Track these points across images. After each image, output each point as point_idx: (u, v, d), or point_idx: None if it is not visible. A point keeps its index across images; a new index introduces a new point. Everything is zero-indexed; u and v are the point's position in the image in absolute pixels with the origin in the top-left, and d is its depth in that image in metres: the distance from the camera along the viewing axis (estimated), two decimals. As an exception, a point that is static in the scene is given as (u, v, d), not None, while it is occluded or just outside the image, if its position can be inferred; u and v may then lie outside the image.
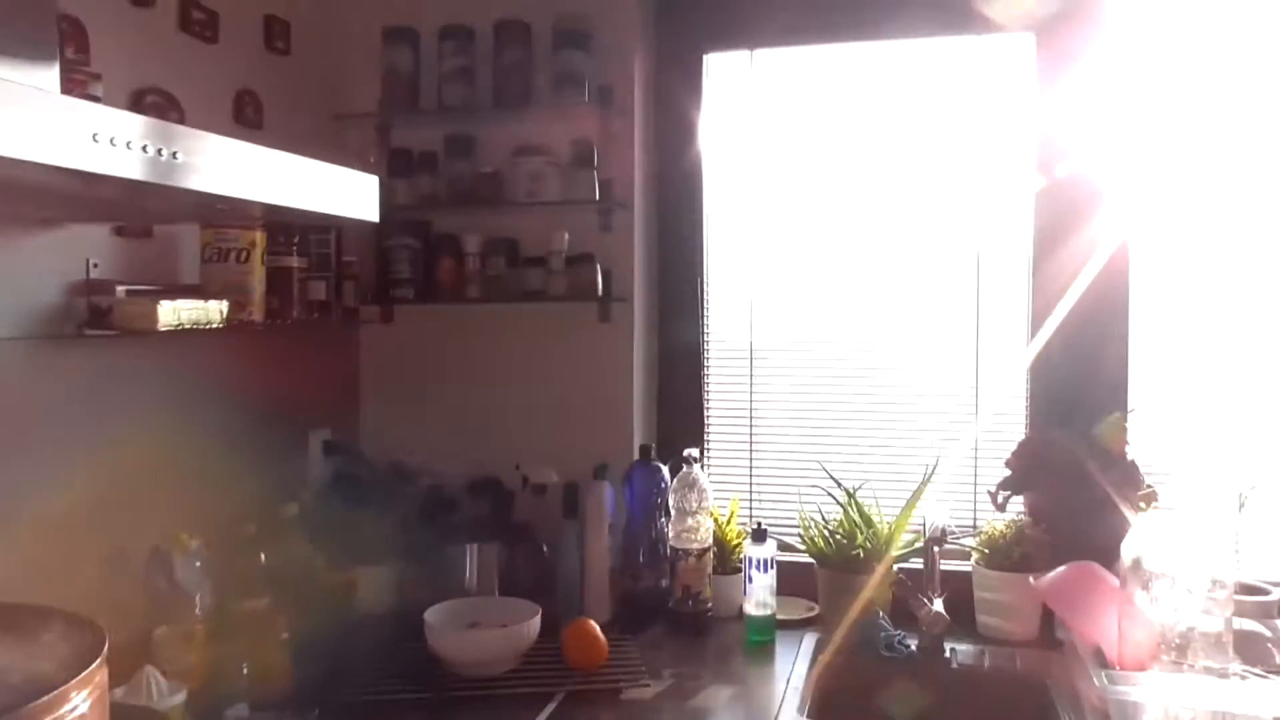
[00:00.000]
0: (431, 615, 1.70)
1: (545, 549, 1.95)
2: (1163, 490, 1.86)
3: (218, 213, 1.54)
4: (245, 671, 1.48)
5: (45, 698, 0.84)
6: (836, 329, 2.14)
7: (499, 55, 2.07)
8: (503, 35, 2.07)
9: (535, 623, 1.69)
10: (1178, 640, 1.55)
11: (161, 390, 1.70)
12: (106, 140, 0.97)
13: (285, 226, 1.80)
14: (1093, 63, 1.94)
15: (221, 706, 1.44)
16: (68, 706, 0.87)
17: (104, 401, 1.59)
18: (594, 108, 2.04)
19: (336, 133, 2.10)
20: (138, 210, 1.46)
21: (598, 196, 2.04)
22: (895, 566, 1.93)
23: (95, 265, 1.54)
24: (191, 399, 1.76)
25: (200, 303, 1.57)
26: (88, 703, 0.89)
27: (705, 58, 2.20)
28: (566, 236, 2.04)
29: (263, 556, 1.63)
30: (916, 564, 1.87)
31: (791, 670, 1.72)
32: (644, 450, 2.00)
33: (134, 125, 1.01)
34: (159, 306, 1.48)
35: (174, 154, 1.06)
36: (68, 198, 1.25)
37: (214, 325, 1.60)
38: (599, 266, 2.06)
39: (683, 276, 2.22)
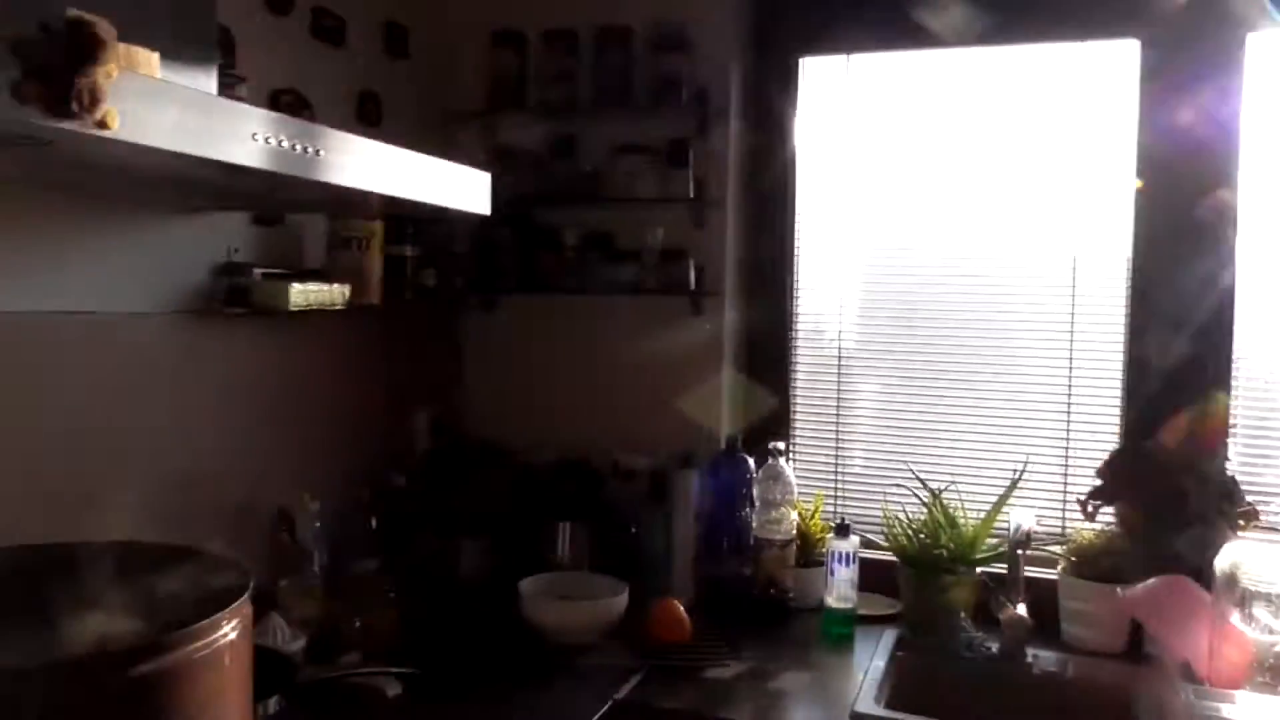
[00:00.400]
0: (526, 585, 1.79)
1: (633, 531, 2.03)
2: (1265, 509, 1.82)
3: (344, 204, 1.67)
4: (358, 625, 1.61)
5: (203, 622, 0.97)
6: (927, 330, 2.15)
7: (601, 58, 2.16)
8: (605, 39, 2.16)
9: (623, 598, 1.77)
10: (1273, 661, 1.53)
11: (288, 364, 1.85)
12: (263, 139, 1.10)
13: (401, 218, 1.93)
14: (1199, 69, 1.91)
15: (336, 654, 1.57)
16: (220, 633, 0.99)
17: (238, 372, 1.74)
18: (691, 109, 2.12)
19: (446, 130, 2.22)
20: (276, 200, 1.60)
21: (692, 194, 2.11)
22: (979, 569, 1.94)
23: (236, 250, 1.69)
24: (313, 373, 1.91)
25: (325, 286, 1.70)
26: (236, 632, 1.01)
27: (801, 61, 2.24)
28: (661, 232, 2.12)
29: (373, 521, 1.76)
30: (1000, 569, 1.87)
31: (870, 663, 1.75)
32: (730, 442, 2.05)
33: (284, 125, 1.13)
34: (290, 288, 1.61)
35: (317, 151, 1.18)
36: (218, 188, 1.39)
37: (336, 307, 1.73)
38: (691, 262, 2.13)
39: (773, 273, 2.26)
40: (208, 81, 1.32)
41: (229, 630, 1.00)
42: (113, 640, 1.03)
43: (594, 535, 2.00)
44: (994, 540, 1.99)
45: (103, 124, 0.87)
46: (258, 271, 1.66)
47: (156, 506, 1.48)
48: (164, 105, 0.97)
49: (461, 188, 1.51)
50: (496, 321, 2.32)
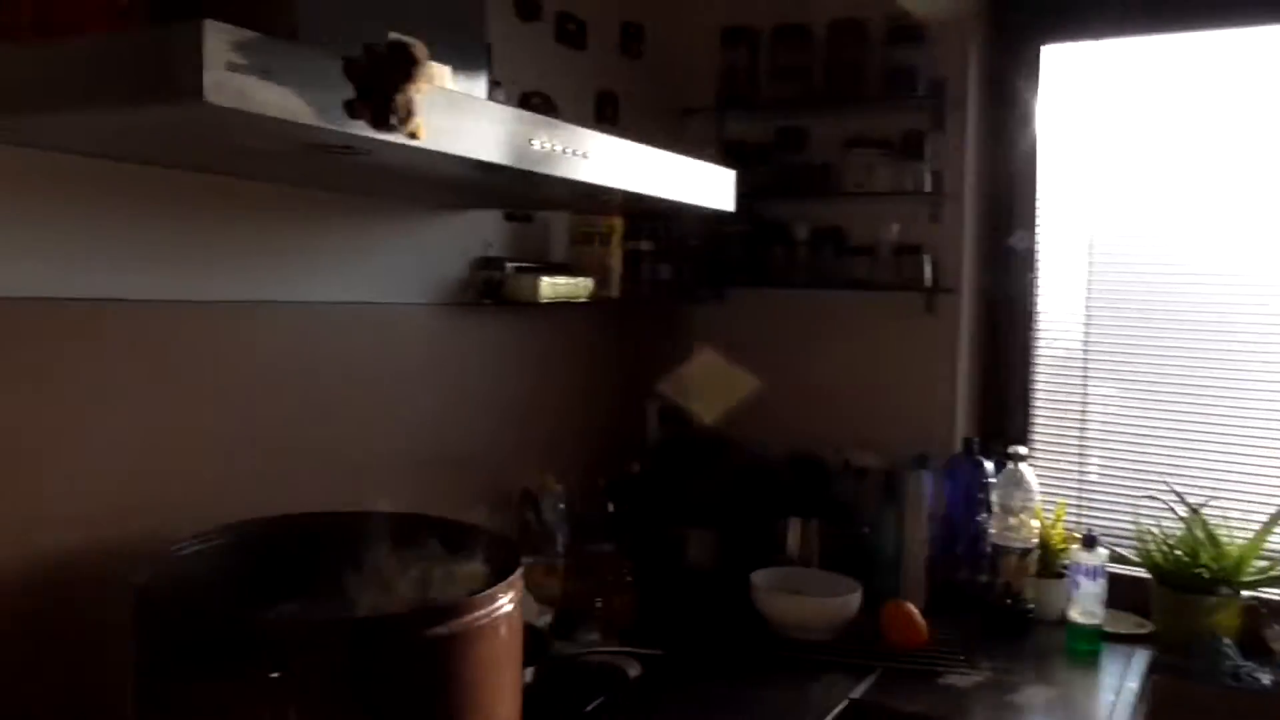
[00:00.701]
0: (758, 578, 1.81)
1: (865, 530, 1.99)
2: None
3: (591, 200, 1.74)
4: (598, 605, 1.68)
5: (484, 593, 1.05)
6: (1180, 331, 1.99)
7: (833, 52, 2.14)
8: (837, 33, 2.13)
9: (858, 596, 1.75)
10: None
11: (534, 353, 1.95)
12: (538, 144, 1.16)
13: (639, 213, 1.98)
14: None
15: (577, 631, 1.65)
16: (496, 604, 1.06)
17: (490, 360, 1.86)
18: (926, 100, 2.05)
19: (676, 126, 2.26)
20: (530, 198, 1.70)
21: (928, 188, 2.05)
22: (1246, 592, 1.79)
23: (490, 245, 1.80)
24: (557, 362, 2.01)
25: (572, 279, 1.78)
26: (511, 605, 1.09)
27: (1043, 49, 2.12)
28: (896, 227, 2.08)
29: (610, 506, 1.83)
30: (1272, 594, 1.72)
31: (1121, 685, 1.65)
32: (967, 443, 1.99)
33: (556, 131, 1.20)
34: (541, 281, 1.71)
35: (584, 154, 1.24)
36: (481, 188, 1.49)
37: (580, 299, 1.81)
38: (926, 257, 2.07)
39: (1013, 270, 2.16)
40: (479, 88, 1.41)
41: (505, 602, 1.08)
42: (406, 603, 1.13)
43: (824, 532, 1.98)
44: (1264, 562, 1.83)
45: (413, 135, 0.96)
46: (510, 265, 1.76)
47: (421, 482, 1.62)
48: (459, 116, 1.05)
49: (707, 184, 1.54)
50: (726, 315, 2.34)
